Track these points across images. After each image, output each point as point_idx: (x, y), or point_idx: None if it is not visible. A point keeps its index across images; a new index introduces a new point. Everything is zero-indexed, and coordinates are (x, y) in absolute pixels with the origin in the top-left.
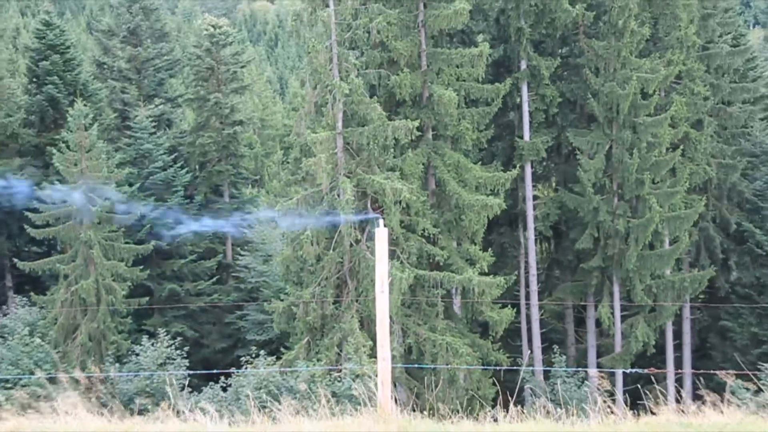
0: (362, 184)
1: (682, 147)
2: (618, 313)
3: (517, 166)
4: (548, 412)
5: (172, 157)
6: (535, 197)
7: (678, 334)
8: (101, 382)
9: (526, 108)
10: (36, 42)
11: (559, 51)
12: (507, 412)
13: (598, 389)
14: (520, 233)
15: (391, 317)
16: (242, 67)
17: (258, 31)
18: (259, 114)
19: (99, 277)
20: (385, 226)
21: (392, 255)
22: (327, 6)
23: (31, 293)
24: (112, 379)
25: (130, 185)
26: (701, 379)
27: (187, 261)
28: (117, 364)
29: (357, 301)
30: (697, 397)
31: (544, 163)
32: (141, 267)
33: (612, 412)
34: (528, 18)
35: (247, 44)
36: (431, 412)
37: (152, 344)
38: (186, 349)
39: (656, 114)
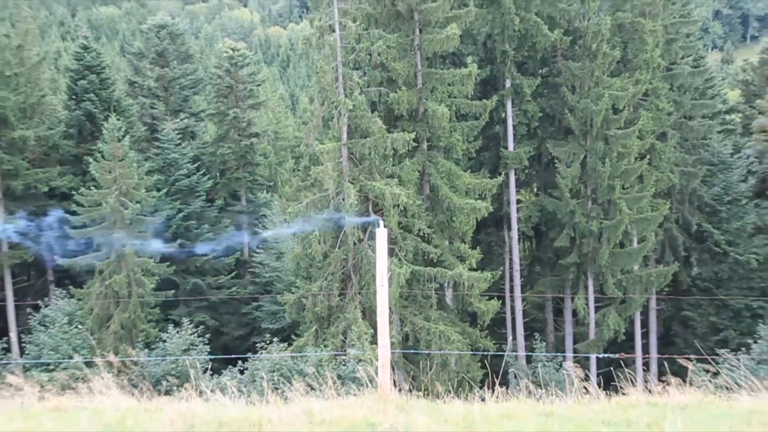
0: (364, 190)
1: (648, 156)
2: (592, 305)
3: (502, 173)
4: (530, 393)
5: (196, 165)
6: (518, 201)
7: (645, 323)
8: (132, 366)
9: (510, 122)
10: (75, 63)
11: (540, 71)
12: (493, 392)
13: (575, 373)
14: (505, 233)
15: (390, 308)
16: (258, 85)
17: (272, 53)
18: (272, 127)
19: (130, 272)
20: (384, 227)
21: (391, 252)
22: (333, 31)
23: (70, 287)
24: (142, 363)
25: (158, 190)
26: (666, 363)
27: (208, 258)
28: (146, 350)
29: (359, 293)
30: (662, 380)
31: (526, 171)
32: (167, 263)
33: (587, 393)
34: (512, 42)
35: (262, 65)
36: (426, 392)
37: (177, 332)
38: (207, 336)
39: (626, 127)
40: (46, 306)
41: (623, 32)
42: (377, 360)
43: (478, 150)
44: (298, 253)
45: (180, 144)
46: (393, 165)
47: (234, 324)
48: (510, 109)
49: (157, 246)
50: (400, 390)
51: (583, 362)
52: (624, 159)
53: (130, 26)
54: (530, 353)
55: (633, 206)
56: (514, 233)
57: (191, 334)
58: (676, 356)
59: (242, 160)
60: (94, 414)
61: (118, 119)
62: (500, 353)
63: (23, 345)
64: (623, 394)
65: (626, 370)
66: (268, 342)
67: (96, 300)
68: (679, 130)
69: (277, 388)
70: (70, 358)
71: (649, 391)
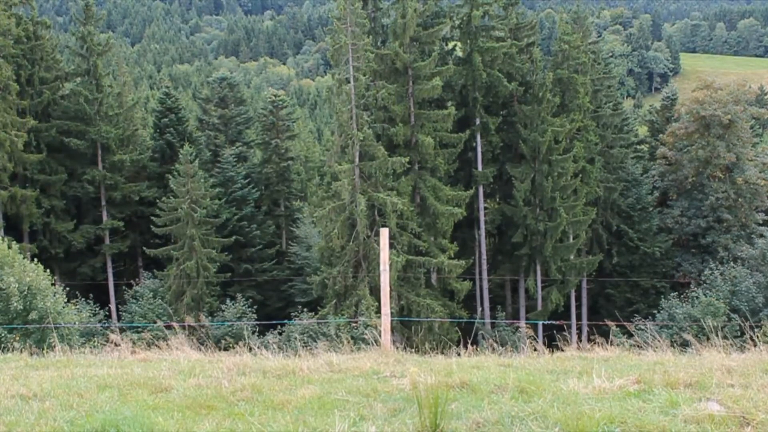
0: (371, 199)
1: (580, 175)
2: (539, 284)
3: (473, 187)
4: (493, 350)
5: (247, 181)
6: (485, 208)
7: (578, 298)
8: (199, 329)
9: (479, 149)
10: (159, 106)
11: (501, 112)
12: (466, 349)
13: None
14: (475, 232)
15: (390, 287)
16: (293, 122)
17: (304, 98)
18: (304, 153)
19: (199, 260)
20: (385, 227)
21: (391, 246)
22: (349, 82)
23: (154, 270)
24: (207, 327)
25: (219, 199)
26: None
27: (256, 249)
28: (210, 317)
29: (367, 276)
30: (590, 340)
31: (491, 186)
32: (226, 253)
33: (535, 350)
34: (480, 91)
35: (296, 107)
36: (416, 349)
37: (233, 304)
38: (255, 307)
39: (564, 154)
40: (137, 284)
41: (562, 84)
42: (380, 325)
43: (455, 170)
44: (323, 246)
45: (235, 165)
46: (392, 181)
47: (274, 298)
48: (479, 140)
49: (218, 240)
50: (397, 348)
51: (532, 327)
52: (563, 177)
53: (200, 78)
54: (494, 321)
55: (569, 212)
56: (482, 232)
57: (243, 306)
58: (600, 323)
59: (281, 177)
60: (171, 363)
61: (190, 147)
62: (471, 320)
63: (120, 313)
64: (562, 350)
65: (564, 333)
66: (299, 312)
67: (173, 280)
68: (603, 156)
69: (306, 346)
70: (154, 322)
71: (581, 349)
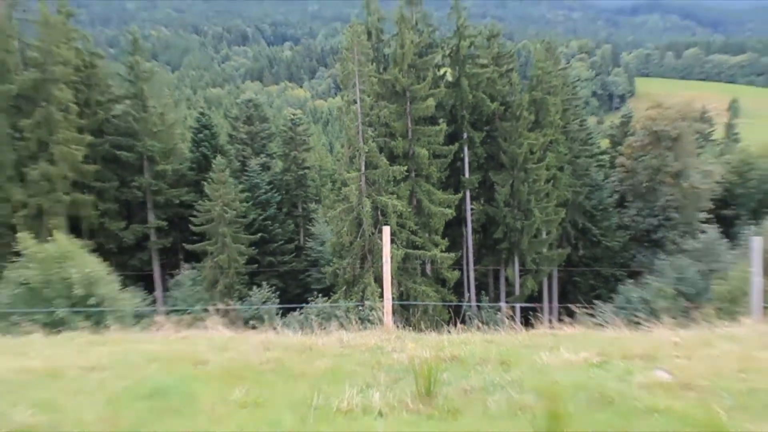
0: (375, 202)
1: (552, 181)
2: (517, 273)
3: (462, 191)
4: (479, 328)
5: (270, 186)
6: (471, 209)
7: (550, 285)
8: (231, 311)
9: (466, 159)
10: (195, 123)
11: (485, 128)
12: (456, 328)
13: (506, 316)
14: (463, 229)
15: (391, 276)
16: (308, 137)
17: (318, 116)
18: (318, 163)
19: (230, 254)
20: (387, 225)
21: (392, 241)
22: (355, 103)
23: (193, 262)
24: (237, 310)
25: (247, 202)
26: (562, 310)
27: (278, 244)
28: (239, 301)
29: (372, 267)
30: (560, 320)
31: (477, 190)
32: (253, 247)
33: (513, 328)
34: (467, 109)
35: (311, 124)
36: (414, 328)
37: (259, 291)
38: (277, 293)
39: (538, 163)
40: (178, 274)
41: (536, 104)
42: (383, 308)
43: (446, 177)
44: (334, 241)
45: (260, 173)
46: (393, 186)
47: (294, 286)
48: (466, 151)
49: (246, 237)
50: (397, 327)
51: (511, 309)
52: (537, 183)
53: (230, 100)
54: (479, 304)
55: (542, 212)
56: (469, 229)
57: (267, 292)
58: (568, 305)
59: (299, 183)
60: (207, 340)
61: (221, 158)
62: (460, 304)
63: (164, 298)
64: (536, 329)
65: (538, 314)
66: (315, 297)
67: (208, 270)
68: (571, 165)
69: (321, 326)
70: (193, 306)
71: (552, 327)
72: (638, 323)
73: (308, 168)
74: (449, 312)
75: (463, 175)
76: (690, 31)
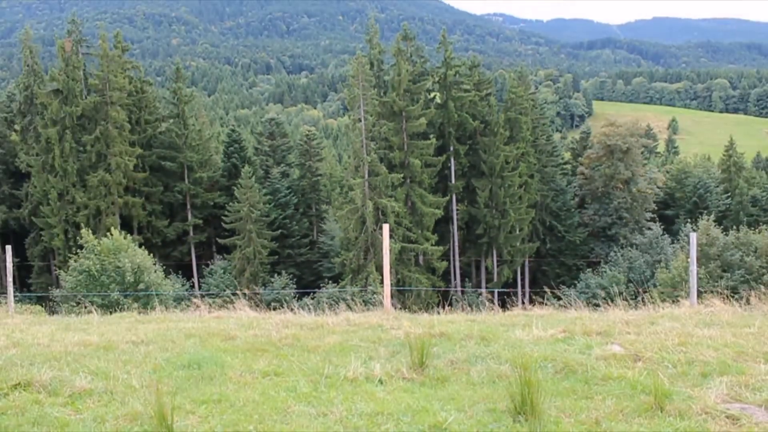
0: (377, 204)
1: (524, 186)
2: (495, 263)
3: (449, 195)
4: (463, 310)
5: (288, 191)
6: (457, 210)
7: (522, 273)
8: (256, 295)
9: (453, 168)
10: (227, 138)
11: (468, 142)
12: (444, 309)
13: (486, 300)
14: (450, 226)
15: (390, 265)
16: (321, 149)
17: (329, 132)
18: (329, 171)
19: (255, 247)
20: (386, 224)
21: (391, 237)
22: (360, 121)
23: (224, 254)
24: (261, 294)
25: (269, 204)
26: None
27: (295, 239)
28: (263, 287)
29: (374, 258)
30: (531, 303)
31: (461, 194)
32: (274, 242)
33: (492, 310)
34: (453, 127)
35: (323, 139)
36: (409, 310)
37: (279, 278)
38: (294, 280)
39: (512, 171)
40: (212, 264)
41: (510, 122)
42: (383, 293)
43: (436, 183)
44: (342, 237)
45: (280, 180)
46: (391, 191)
47: (309, 273)
48: (453, 161)
49: (269, 233)
50: (395, 308)
51: (490, 294)
52: (511, 188)
53: (255, 119)
54: (463, 289)
55: (516, 212)
56: (455, 226)
57: (286, 279)
58: (538, 290)
59: (313, 188)
60: (236, 320)
61: (248, 167)
62: (447, 289)
63: (200, 284)
64: (511, 310)
65: (512, 297)
66: (326, 283)
67: (237, 261)
68: (539, 173)
69: (331, 307)
70: (224, 291)
71: (525, 309)
72: (596, 305)
73: (321, 175)
74: (438, 296)
75: (450, 181)
76: (636, 63)
